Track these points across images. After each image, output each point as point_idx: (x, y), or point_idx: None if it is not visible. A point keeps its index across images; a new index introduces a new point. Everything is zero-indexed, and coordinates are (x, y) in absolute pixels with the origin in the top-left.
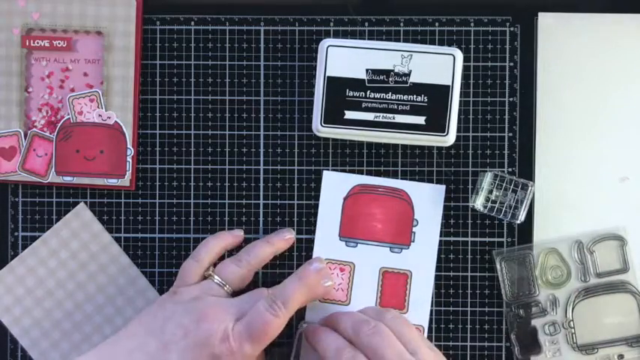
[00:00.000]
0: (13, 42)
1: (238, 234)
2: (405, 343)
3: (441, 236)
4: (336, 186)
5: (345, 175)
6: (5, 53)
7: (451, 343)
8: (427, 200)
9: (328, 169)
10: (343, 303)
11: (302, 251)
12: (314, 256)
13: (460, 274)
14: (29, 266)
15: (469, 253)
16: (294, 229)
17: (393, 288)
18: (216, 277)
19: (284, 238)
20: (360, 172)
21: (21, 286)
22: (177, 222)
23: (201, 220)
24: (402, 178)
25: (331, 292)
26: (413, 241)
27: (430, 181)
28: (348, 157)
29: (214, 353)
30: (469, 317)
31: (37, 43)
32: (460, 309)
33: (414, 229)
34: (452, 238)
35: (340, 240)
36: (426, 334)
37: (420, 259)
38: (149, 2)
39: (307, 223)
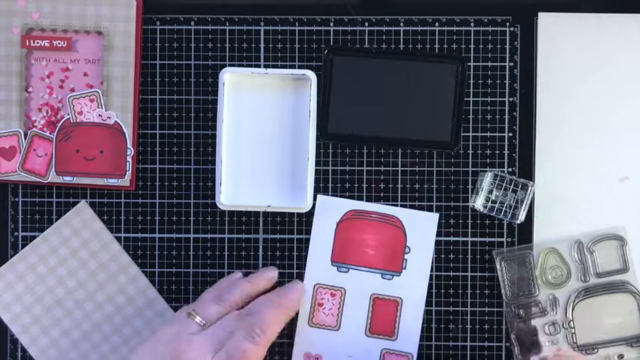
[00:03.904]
0: (13, 42)
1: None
2: None
3: (440, 236)
4: (329, 210)
5: (339, 200)
6: (5, 53)
7: (451, 343)
8: (420, 228)
9: (321, 194)
10: (333, 328)
11: (302, 251)
12: (305, 281)
13: (460, 274)
14: (29, 263)
15: (469, 253)
16: (294, 228)
17: (384, 314)
18: (197, 317)
19: (266, 278)
20: (352, 197)
21: (21, 283)
22: (177, 222)
23: (201, 220)
24: (402, 179)
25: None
26: (404, 268)
27: (430, 181)
28: (349, 157)
29: None
30: (469, 317)
31: (37, 43)
32: (460, 309)
33: (405, 257)
34: (452, 238)
35: (332, 265)
36: None
37: (411, 287)
38: (149, 2)
39: (307, 223)
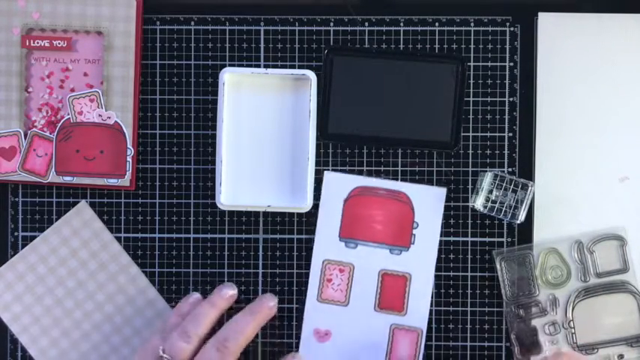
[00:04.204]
0: (13, 42)
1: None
2: None
3: (441, 236)
4: (336, 187)
5: (345, 177)
6: (5, 53)
7: (451, 343)
8: (428, 203)
9: (329, 170)
10: (342, 303)
11: (302, 251)
12: (313, 257)
13: (460, 274)
14: (29, 263)
15: (469, 253)
16: (294, 228)
17: (392, 290)
18: (165, 355)
19: (225, 297)
20: (361, 173)
21: (21, 283)
22: (177, 222)
23: (201, 220)
24: (402, 179)
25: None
26: (413, 244)
27: (430, 181)
28: (349, 157)
29: None
30: (469, 317)
31: (37, 43)
32: (460, 309)
33: (414, 232)
34: (452, 238)
35: (340, 241)
36: (424, 338)
37: (420, 262)
38: (149, 2)
39: (307, 223)
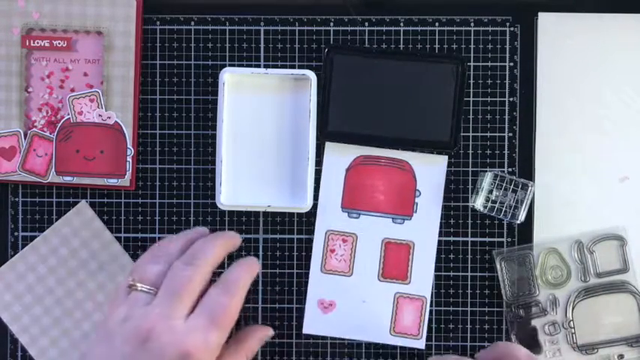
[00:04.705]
0: (13, 42)
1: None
2: None
3: (441, 236)
4: (338, 157)
5: (347, 147)
6: (5, 53)
7: (451, 343)
8: (429, 171)
9: (330, 142)
10: (346, 274)
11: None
12: (316, 228)
13: (460, 274)
14: (29, 263)
15: (469, 253)
16: (294, 228)
17: (396, 259)
18: (140, 284)
19: (231, 236)
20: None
21: (21, 283)
22: (177, 222)
23: (201, 220)
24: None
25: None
26: (415, 212)
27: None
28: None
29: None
30: (469, 317)
31: (37, 43)
32: (460, 309)
33: (416, 200)
34: (452, 238)
35: (343, 211)
36: (428, 305)
37: (423, 230)
38: (149, 2)
39: (308, 223)
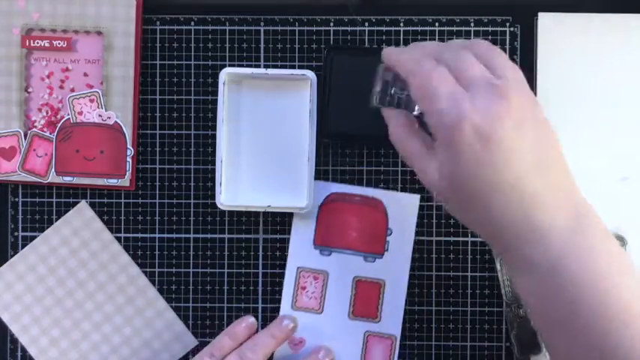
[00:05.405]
0: (13, 42)
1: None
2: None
3: (440, 236)
4: None
5: (321, 183)
6: (5, 53)
7: (451, 343)
8: (402, 209)
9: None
10: (316, 311)
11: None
12: (288, 265)
13: (460, 274)
14: (29, 263)
15: (469, 253)
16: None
17: (367, 297)
18: None
19: (285, 330)
20: (335, 180)
21: (21, 283)
22: (177, 222)
23: (201, 220)
24: (402, 180)
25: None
26: (387, 250)
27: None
28: (348, 157)
29: None
30: (469, 317)
31: (37, 43)
32: (460, 309)
33: (387, 238)
34: (452, 238)
35: (315, 248)
36: (398, 346)
37: (394, 269)
38: (149, 2)
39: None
